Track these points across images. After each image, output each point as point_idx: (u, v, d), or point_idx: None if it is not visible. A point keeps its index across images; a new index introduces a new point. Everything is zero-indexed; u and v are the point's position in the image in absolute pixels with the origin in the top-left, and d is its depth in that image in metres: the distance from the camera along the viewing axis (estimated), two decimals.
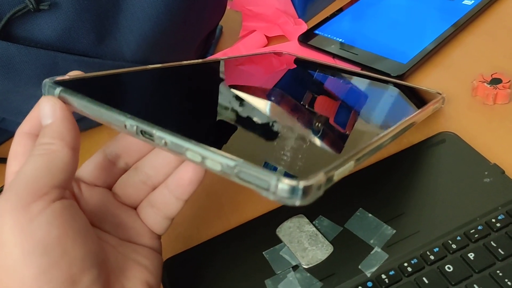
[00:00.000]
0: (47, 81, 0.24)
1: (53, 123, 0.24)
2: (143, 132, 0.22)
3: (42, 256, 0.21)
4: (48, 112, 0.24)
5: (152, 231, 0.28)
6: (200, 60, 0.35)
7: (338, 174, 0.21)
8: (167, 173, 0.28)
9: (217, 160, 0.19)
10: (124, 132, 0.22)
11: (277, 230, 0.32)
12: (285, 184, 0.18)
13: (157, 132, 0.21)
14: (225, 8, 0.49)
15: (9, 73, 0.35)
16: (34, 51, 0.35)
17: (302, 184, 0.18)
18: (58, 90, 0.24)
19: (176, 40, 0.42)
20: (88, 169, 0.28)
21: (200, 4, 0.43)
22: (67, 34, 0.36)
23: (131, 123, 0.22)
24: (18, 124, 0.26)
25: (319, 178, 0.19)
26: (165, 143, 0.21)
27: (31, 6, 0.34)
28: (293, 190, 0.18)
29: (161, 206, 0.28)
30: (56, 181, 0.23)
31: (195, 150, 0.20)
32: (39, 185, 0.22)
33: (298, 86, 0.31)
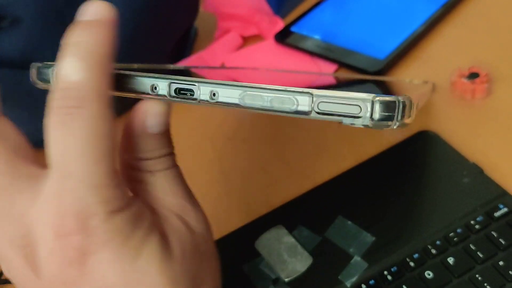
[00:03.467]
0: (35, 64, 0.21)
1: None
2: (179, 91, 0.18)
3: None
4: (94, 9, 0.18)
5: None
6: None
7: (417, 105, 0.18)
8: None
9: (288, 96, 0.16)
10: (149, 98, 0.19)
11: (255, 242, 0.32)
12: (382, 102, 0.15)
13: (201, 85, 0.17)
14: (198, 10, 0.47)
15: None
16: None
17: (401, 99, 0.15)
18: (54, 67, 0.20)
19: (147, 45, 0.41)
20: None
21: (169, 8, 0.41)
22: (31, 51, 0.35)
23: (164, 83, 0.18)
24: None
25: (410, 96, 0.16)
26: (213, 95, 0.17)
27: None
28: (393, 107, 0.15)
29: None
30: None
31: (256, 93, 0.16)
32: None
33: None
